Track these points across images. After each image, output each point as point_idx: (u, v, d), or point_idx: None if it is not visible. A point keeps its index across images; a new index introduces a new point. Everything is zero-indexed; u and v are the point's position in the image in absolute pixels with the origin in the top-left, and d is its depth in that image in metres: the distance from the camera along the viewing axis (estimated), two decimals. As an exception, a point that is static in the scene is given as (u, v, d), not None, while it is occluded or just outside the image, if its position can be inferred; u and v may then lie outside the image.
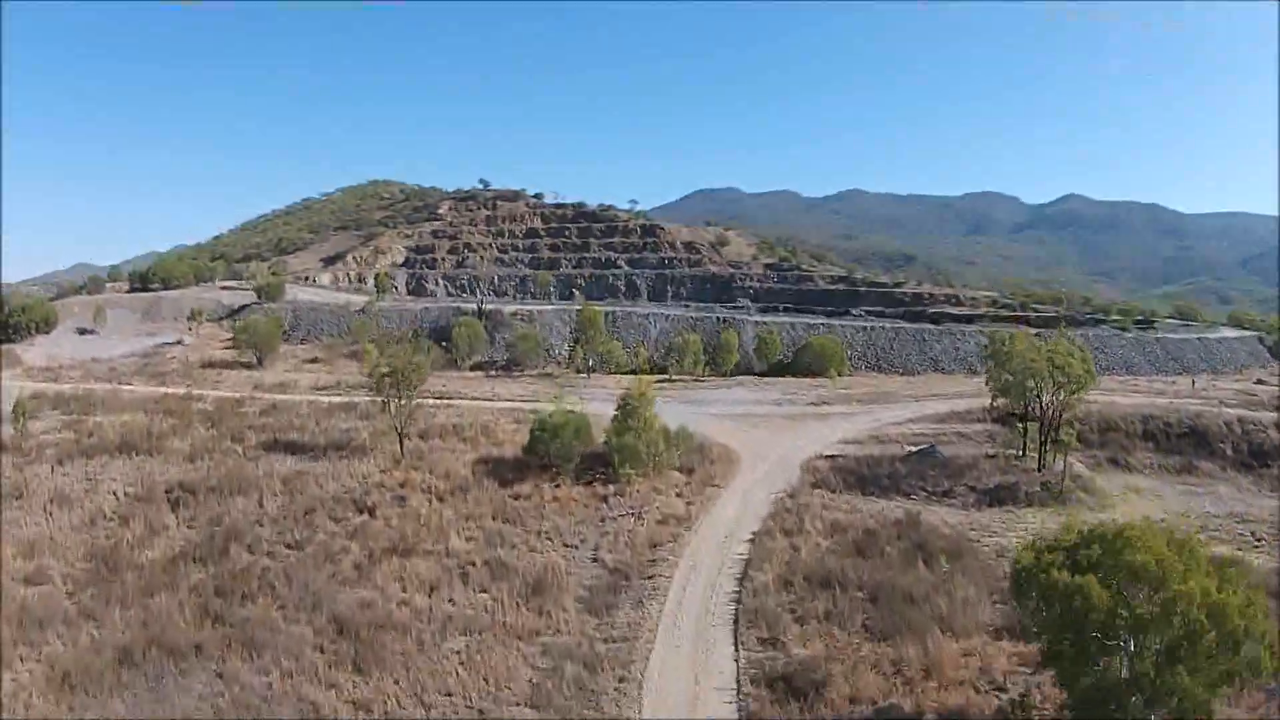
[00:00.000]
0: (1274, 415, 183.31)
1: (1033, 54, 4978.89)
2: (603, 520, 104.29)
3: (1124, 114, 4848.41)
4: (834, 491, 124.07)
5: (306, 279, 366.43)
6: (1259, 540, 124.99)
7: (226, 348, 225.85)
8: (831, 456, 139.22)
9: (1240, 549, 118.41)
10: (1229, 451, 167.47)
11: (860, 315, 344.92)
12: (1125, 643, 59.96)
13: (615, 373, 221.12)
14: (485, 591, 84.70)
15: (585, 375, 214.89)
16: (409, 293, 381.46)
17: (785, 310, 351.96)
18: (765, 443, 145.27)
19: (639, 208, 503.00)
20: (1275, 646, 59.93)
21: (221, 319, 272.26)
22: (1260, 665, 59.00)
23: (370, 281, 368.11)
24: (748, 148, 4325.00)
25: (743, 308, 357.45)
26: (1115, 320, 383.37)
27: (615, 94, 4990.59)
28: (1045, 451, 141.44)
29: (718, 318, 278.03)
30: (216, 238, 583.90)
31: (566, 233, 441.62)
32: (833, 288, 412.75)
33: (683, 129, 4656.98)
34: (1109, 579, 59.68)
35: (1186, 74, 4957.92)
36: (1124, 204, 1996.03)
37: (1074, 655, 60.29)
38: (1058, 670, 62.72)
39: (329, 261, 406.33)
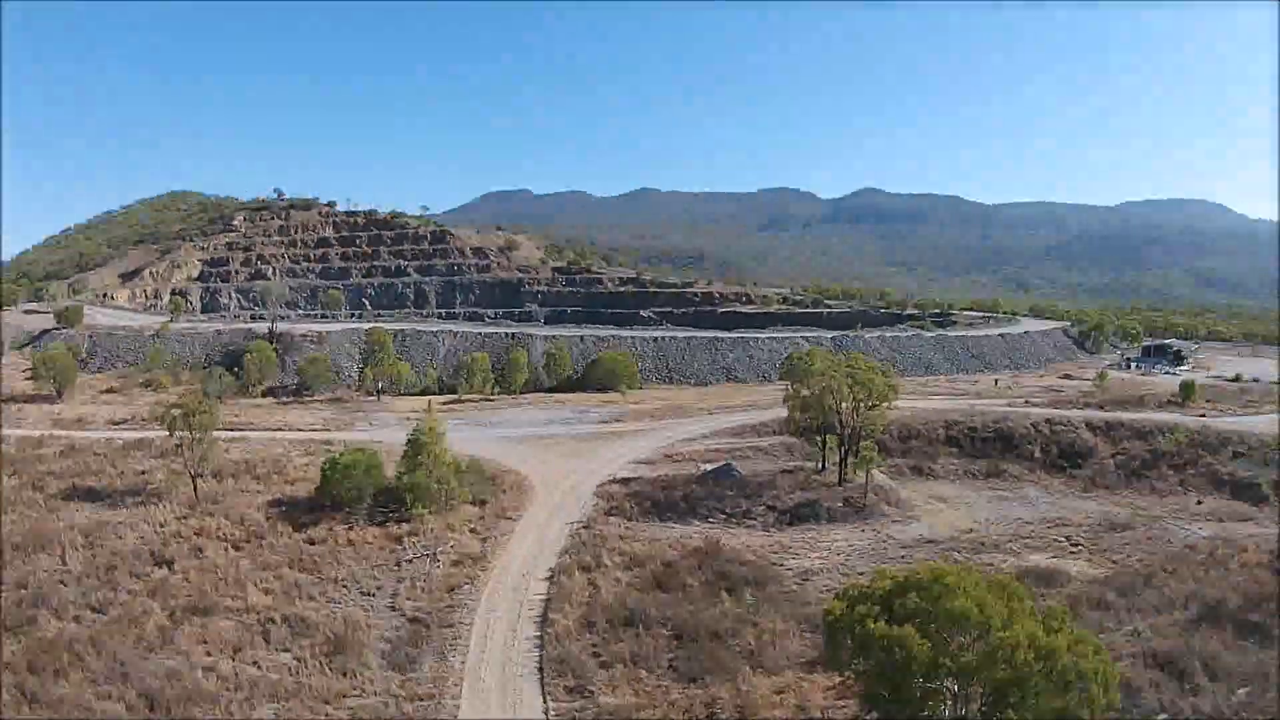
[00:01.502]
0: (1084, 414, 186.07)
1: (827, 50, 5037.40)
2: (398, 564, 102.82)
3: (922, 108, 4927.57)
4: (630, 519, 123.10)
5: (106, 296, 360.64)
6: (1076, 545, 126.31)
7: (28, 378, 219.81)
8: (625, 480, 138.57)
9: (1057, 556, 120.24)
10: (1037, 453, 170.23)
11: (652, 323, 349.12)
12: (950, 686, 60.22)
13: (405, 394, 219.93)
14: (288, 650, 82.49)
15: (375, 398, 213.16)
16: (203, 309, 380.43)
17: (574, 319, 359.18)
18: (557, 467, 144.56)
19: (430, 213, 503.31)
20: (1109, 683, 60.67)
21: (24, 346, 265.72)
22: (1095, 702, 59.74)
23: (165, 299, 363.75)
24: (538, 148, 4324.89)
25: (531, 314, 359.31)
26: (912, 315, 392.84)
27: (409, 95, 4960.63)
28: (846, 465, 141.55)
29: (507, 333, 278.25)
30: (21, 254, 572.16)
31: (357, 241, 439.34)
32: (622, 290, 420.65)
33: (475, 130, 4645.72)
34: (927, 625, 59.66)
35: (983, 69, 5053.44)
36: (924, 196, 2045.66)
37: (895, 700, 60.26)
38: (879, 713, 62.59)
39: (127, 278, 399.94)
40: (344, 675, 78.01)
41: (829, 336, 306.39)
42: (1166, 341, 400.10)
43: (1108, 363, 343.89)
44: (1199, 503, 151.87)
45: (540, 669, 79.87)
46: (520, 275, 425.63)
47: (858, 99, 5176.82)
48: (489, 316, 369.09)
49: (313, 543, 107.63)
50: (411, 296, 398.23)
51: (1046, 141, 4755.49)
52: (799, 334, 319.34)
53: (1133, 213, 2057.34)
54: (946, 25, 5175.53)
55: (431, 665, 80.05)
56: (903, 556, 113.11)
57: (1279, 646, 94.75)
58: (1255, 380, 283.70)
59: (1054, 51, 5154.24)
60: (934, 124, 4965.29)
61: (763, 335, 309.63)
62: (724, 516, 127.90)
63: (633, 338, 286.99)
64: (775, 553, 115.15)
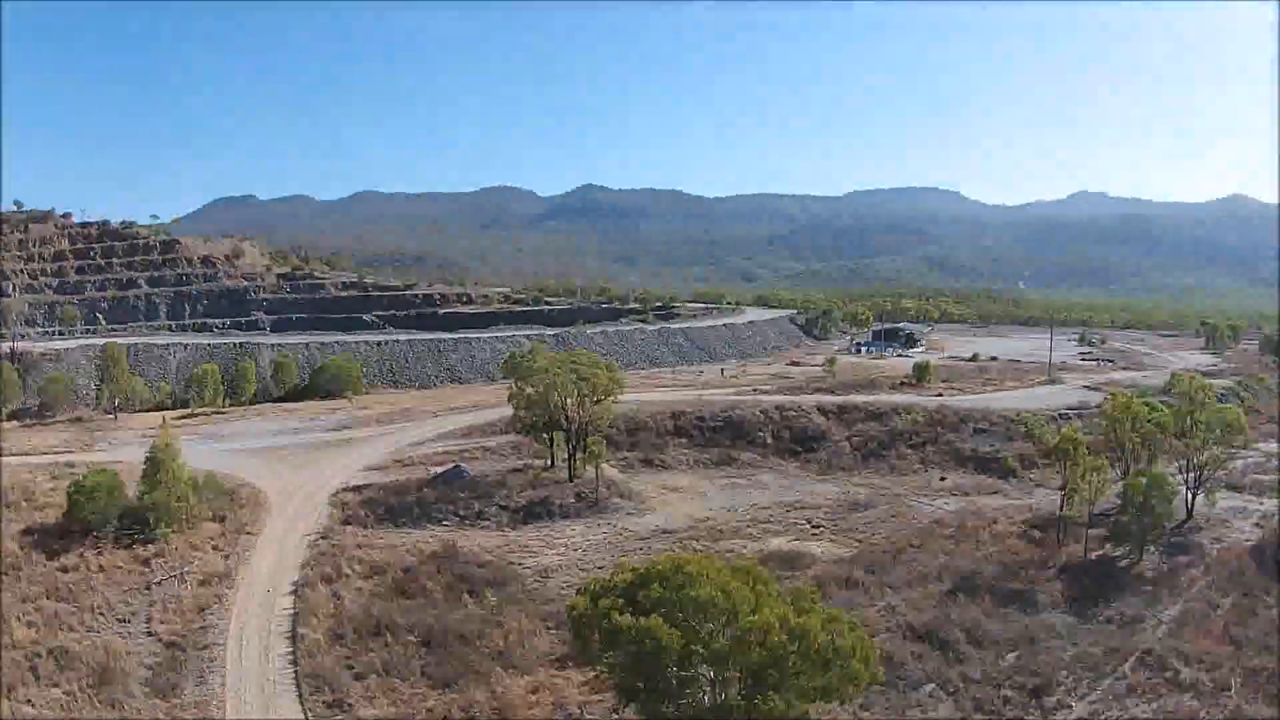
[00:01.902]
0: (814, 398, 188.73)
1: (542, 48, 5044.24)
2: (148, 587, 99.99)
3: (641, 104, 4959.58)
4: (365, 526, 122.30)
5: None
6: (817, 527, 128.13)
7: None
8: (358, 487, 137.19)
9: (799, 538, 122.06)
10: (769, 439, 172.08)
11: (375, 326, 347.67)
12: (705, 673, 60.23)
13: (141, 411, 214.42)
14: (57, 685, 79.63)
15: (113, 417, 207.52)
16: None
17: (300, 326, 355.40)
18: (291, 478, 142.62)
19: (160, 222, 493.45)
20: (869, 658, 61.21)
21: None
22: (858, 676, 60.42)
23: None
24: (262, 151, 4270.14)
25: (258, 323, 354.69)
26: (635, 309, 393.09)
27: (136, 98, 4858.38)
28: (575, 460, 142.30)
29: (235, 344, 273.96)
30: None
31: (92, 254, 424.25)
32: (344, 294, 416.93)
33: (200, 134, 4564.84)
34: (674, 615, 59.47)
35: (697, 63, 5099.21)
36: (644, 191, 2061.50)
37: (651, 691, 60.11)
38: (638, 705, 62.27)
39: None
40: (112, 707, 75.87)
41: (550, 334, 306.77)
42: (898, 325, 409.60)
43: (837, 348, 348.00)
44: (942, 479, 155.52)
45: (297, 685, 78.92)
46: (246, 283, 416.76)
47: (575, 97, 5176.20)
48: (217, 326, 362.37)
49: (66, 571, 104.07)
50: (143, 309, 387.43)
51: (768, 134, 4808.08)
52: (521, 332, 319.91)
53: (861, 202, 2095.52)
54: (657, 22, 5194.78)
55: (193, 690, 78.39)
56: (641, 548, 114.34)
57: (1042, 612, 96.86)
58: (993, 359, 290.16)
59: (771, 46, 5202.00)
60: (652, 120, 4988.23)
61: (485, 335, 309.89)
62: (458, 518, 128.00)
63: (357, 342, 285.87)
64: (513, 552, 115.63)
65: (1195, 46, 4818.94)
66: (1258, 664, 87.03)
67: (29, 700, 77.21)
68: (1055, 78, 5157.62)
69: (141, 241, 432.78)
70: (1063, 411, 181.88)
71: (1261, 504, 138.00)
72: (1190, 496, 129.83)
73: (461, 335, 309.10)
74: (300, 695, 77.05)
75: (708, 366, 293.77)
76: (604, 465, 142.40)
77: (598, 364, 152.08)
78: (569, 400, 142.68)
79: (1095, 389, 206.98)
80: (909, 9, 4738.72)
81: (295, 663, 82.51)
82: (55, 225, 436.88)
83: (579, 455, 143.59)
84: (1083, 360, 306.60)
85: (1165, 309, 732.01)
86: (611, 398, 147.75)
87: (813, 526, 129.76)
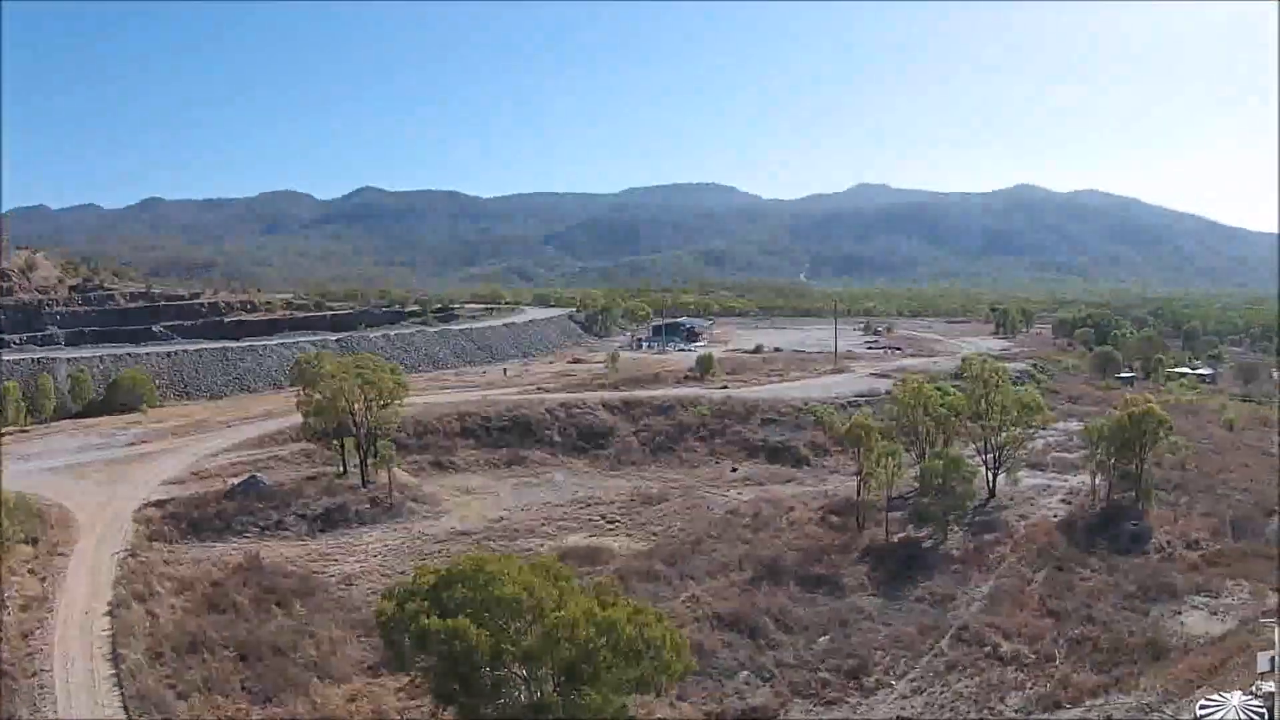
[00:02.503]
0: (599, 395, 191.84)
1: (315, 48, 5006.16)
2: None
3: (413, 105, 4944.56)
4: (171, 542, 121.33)
5: None
6: (612, 523, 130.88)
7: None
8: (159, 502, 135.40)
9: (595, 534, 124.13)
10: (557, 437, 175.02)
11: (164, 338, 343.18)
12: (519, 671, 61.43)
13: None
14: (-107, 726, 78.21)
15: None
16: None
17: (93, 339, 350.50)
18: (95, 495, 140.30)
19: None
20: (680, 648, 62.92)
21: None
22: (670, 667, 62.12)
23: None
24: (51, 159, 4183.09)
25: (53, 337, 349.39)
26: (414, 311, 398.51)
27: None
28: (367, 466, 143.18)
29: (33, 359, 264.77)
30: None
31: None
32: (133, 305, 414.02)
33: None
34: (481, 615, 60.67)
35: (466, 64, 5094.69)
36: (421, 193, 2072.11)
37: (466, 692, 61.28)
38: (456, 708, 63.45)
39: None
40: (-50, 741, 74.72)
41: (334, 338, 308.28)
42: (679, 320, 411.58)
43: (618, 344, 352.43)
44: (734, 469, 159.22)
45: (125, 708, 78.30)
46: (40, 296, 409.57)
47: (352, 96, 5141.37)
48: (15, 342, 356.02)
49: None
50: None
51: (542, 133, 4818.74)
52: (305, 338, 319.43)
53: (636, 199, 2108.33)
54: (429, 20, 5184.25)
55: (26, 718, 77.58)
56: (439, 551, 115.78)
57: (850, 595, 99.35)
58: (778, 350, 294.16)
59: (541, 42, 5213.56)
60: (428, 121, 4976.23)
61: (272, 342, 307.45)
62: (258, 529, 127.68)
63: (148, 354, 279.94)
64: (315, 561, 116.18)
65: (977, 37, 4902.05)
66: (1080, 633, 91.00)
67: None
68: (830, 73, 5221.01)
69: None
70: (852, 399, 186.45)
71: (1066, 480, 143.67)
72: (991, 476, 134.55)
73: (248, 343, 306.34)
74: (129, 717, 76.79)
75: (490, 366, 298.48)
76: (395, 469, 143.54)
77: (382, 367, 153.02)
78: (356, 405, 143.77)
79: (884, 376, 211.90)
80: (679, 6, 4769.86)
81: (120, 684, 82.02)
82: None
83: (370, 460, 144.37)
84: (870, 349, 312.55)
85: (953, 297, 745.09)
86: (398, 401, 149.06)
87: (608, 522, 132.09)
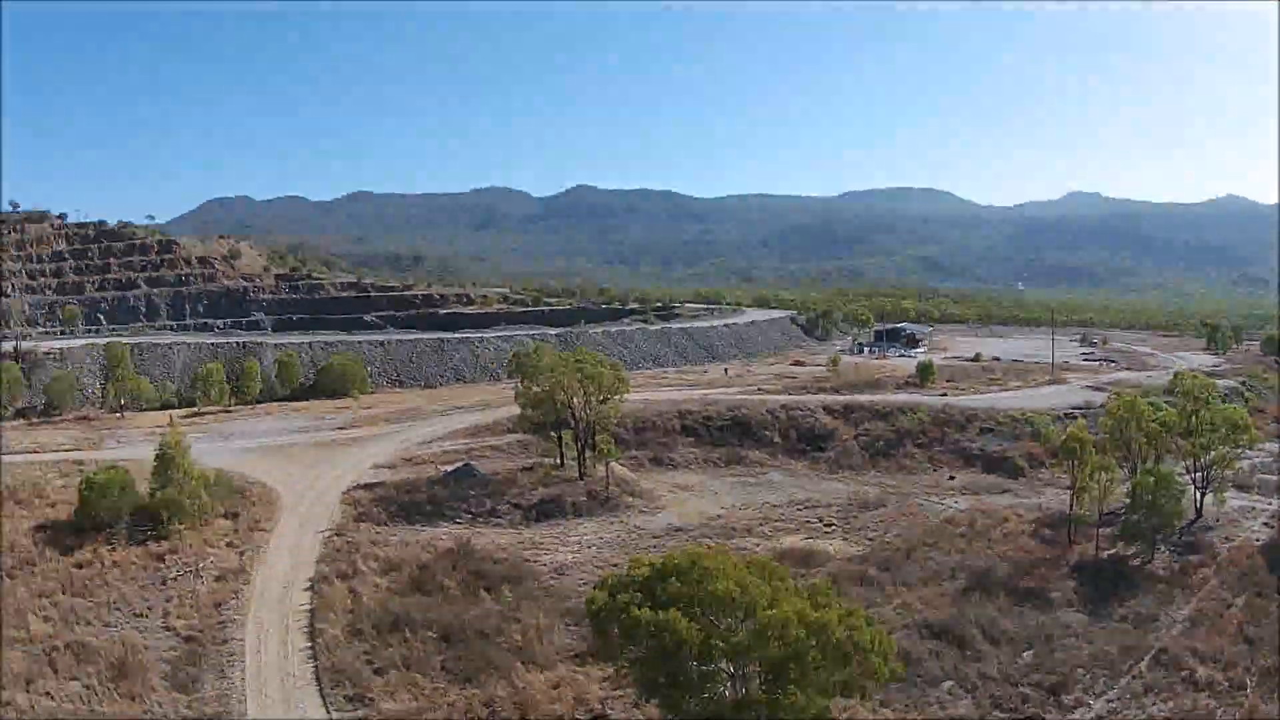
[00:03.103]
0: (820, 398, 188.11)
1: (534, 49, 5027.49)
2: (164, 583, 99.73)
3: (633, 104, 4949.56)
4: (379, 524, 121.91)
5: None
6: (829, 526, 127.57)
7: None
8: (369, 485, 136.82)
9: (811, 536, 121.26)
10: (776, 438, 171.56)
11: (376, 327, 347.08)
12: (725, 667, 60.46)
13: (147, 409, 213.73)
14: (75, 679, 79.16)
15: (119, 415, 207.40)
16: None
17: (301, 326, 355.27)
18: (301, 476, 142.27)
19: (155, 222, 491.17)
20: (888, 654, 61.33)
21: None
22: (877, 671, 60.57)
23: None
24: (255, 152, 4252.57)
25: (259, 324, 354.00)
26: (635, 309, 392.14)
27: (125, 101, 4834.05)
28: (585, 459, 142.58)
29: (238, 343, 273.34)
30: None
31: (90, 254, 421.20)
32: (343, 295, 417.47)
33: (193, 134, 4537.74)
34: (693, 610, 59.60)
35: (686, 65, 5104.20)
36: (637, 191, 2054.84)
37: (672, 686, 60.31)
38: (659, 700, 62.64)
39: None
40: (132, 700, 75.62)
41: (553, 333, 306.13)
42: (899, 326, 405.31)
43: (839, 348, 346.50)
44: (951, 478, 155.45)
45: (318, 679, 78.79)
46: (245, 284, 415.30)
47: (568, 96, 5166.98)
48: (218, 326, 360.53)
49: (81, 566, 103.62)
50: (143, 309, 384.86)
51: (761, 134, 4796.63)
52: (523, 332, 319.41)
53: (854, 203, 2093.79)
54: (651, 21, 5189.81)
55: (213, 684, 78.16)
56: (654, 546, 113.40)
57: (1057, 610, 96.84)
58: (996, 359, 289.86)
59: (764, 45, 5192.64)
60: (645, 121, 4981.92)
61: (488, 335, 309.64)
62: (470, 516, 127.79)
63: (360, 342, 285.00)
64: (526, 549, 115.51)
65: (1191, 46, 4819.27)
66: (1272, 663, 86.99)
67: (47, 693, 77.09)
68: (1049, 78, 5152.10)
69: (139, 242, 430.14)
70: (1068, 411, 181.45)
71: (1270, 503, 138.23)
72: (1199, 495, 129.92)
73: (465, 335, 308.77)
74: (321, 689, 77.05)
75: (711, 366, 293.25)
76: (614, 464, 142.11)
77: (602, 363, 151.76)
78: (575, 399, 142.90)
79: (1099, 389, 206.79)
80: (903, 9, 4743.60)
81: (314, 657, 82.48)
82: (51, 226, 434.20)
83: (588, 454, 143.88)
84: (1085, 360, 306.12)
85: (1162, 309, 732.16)
86: (618, 396, 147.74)
87: (824, 525, 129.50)
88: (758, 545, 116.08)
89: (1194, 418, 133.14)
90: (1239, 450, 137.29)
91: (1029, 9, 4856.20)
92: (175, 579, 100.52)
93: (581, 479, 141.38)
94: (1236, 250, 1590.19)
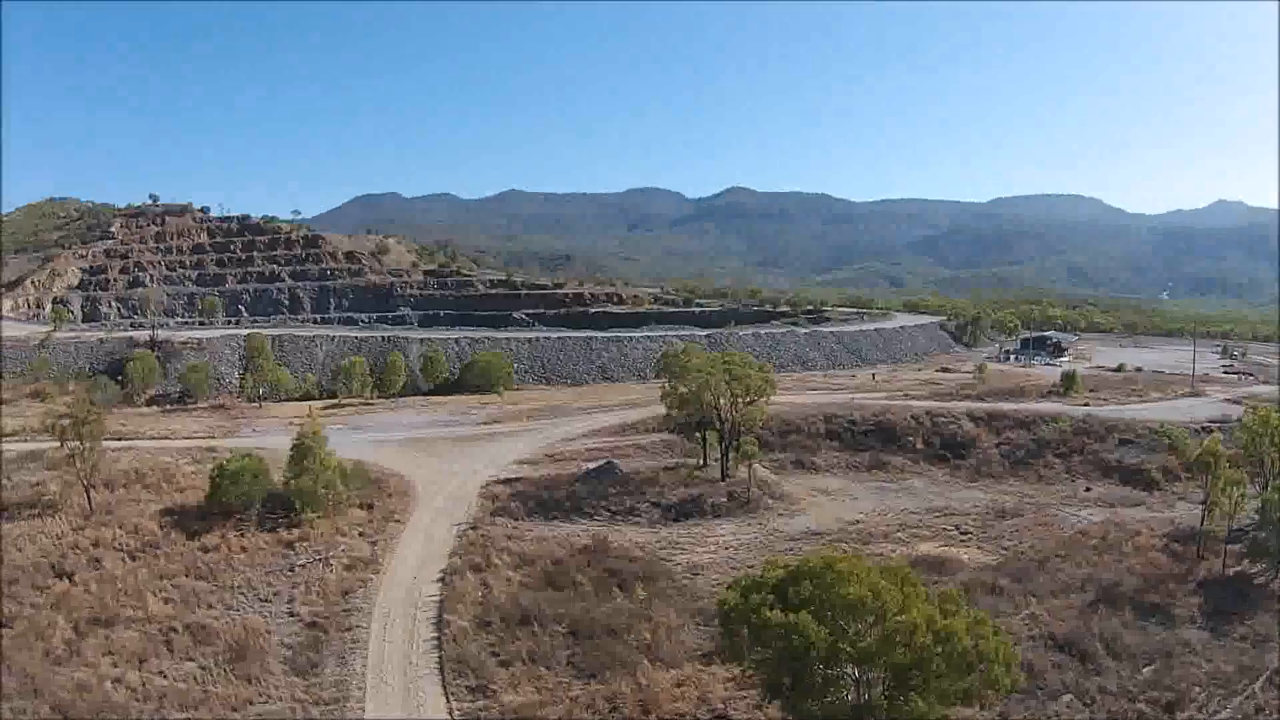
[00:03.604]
0: (964, 405, 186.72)
1: (691, 50, 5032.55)
2: (292, 569, 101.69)
3: (788, 107, 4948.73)
4: (515, 518, 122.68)
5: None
6: (965, 534, 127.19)
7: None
8: (508, 480, 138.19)
9: (947, 544, 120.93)
10: (919, 445, 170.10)
11: (524, 324, 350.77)
12: (850, 672, 60.37)
13: (286, 400, 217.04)
14: (191, 660, 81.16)
15: (257, 405, 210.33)
16: (84, 318, 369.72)
17: (447, 322, 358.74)
18: (440, 469, 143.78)
19: (301, 218, 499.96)
20: (1010, 664, 61.47)
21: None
22: (999, 681, 60.69)
23: (48, 308, 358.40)
24: (406, 150, 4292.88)
25: (405, 319, 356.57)
26: (784, 312, 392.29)
27: (277, 98, 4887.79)
28: (728, 460, 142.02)
29: (383, 337, 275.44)
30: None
31: (232, 247, 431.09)
32: (492, 292, 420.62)
33: (343, 132, 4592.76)
34: (823, 613, 59.78)
35: (843, 67, 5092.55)
36: (790, 194, 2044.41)
37: (797, 688, 60.25)
38: (782, 702, 62.79)
39: (9, 288, 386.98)
40: (248, 682, 77.11)
41: (703, 334, 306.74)
42: (1045, 334, 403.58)
43: (986, 355, 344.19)
44: (1088, 489, 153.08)
45: (440, 669, 79.61)
46: (392, 279, 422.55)
47: (723, 99, 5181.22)
48: (363, 320, 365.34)
49: (207, 550, 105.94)
50: (286, 302, 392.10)
51: (913, 139, 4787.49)
52: (672, 332, 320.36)
53: (1004, 208, 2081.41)
54: (807, 22, 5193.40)
55: (333, 670, 79.49)
56: (790, 549, 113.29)
57: (1179, 627, 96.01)
58: (1139, 370, 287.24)
59: (916, 48, 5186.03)
60: (800, 123, 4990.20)
61: (637, 334, 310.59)
62: (609, 514, 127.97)
63: (507, 339, 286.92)
64: (663, 548, 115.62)
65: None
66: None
67: (161, 672, 78.91)
68: (1195, 84, 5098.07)
69: (283, 236, 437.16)
70: (1205, 424, 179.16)
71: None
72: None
73: (613, 334, 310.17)
74: (443, 679, 77.90)
75: (859, 370, 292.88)
76: (756, 465, 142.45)
77: (750, 364, 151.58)
78: (722, 400, 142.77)
79: (1236, 402, 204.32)
80: (1059, 9, 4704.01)
81: (439, 648, 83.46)
82: (193, 219, 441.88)
83: (731, 455, 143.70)
84: (1225, 373, 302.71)
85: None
86: (764, 398, 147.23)
87: (961, 533, 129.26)
88: (893, 551, 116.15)
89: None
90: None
91: (1175, 8, 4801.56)
92: (304, 566, 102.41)
93: (723, 480, 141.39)
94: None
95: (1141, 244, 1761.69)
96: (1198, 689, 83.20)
